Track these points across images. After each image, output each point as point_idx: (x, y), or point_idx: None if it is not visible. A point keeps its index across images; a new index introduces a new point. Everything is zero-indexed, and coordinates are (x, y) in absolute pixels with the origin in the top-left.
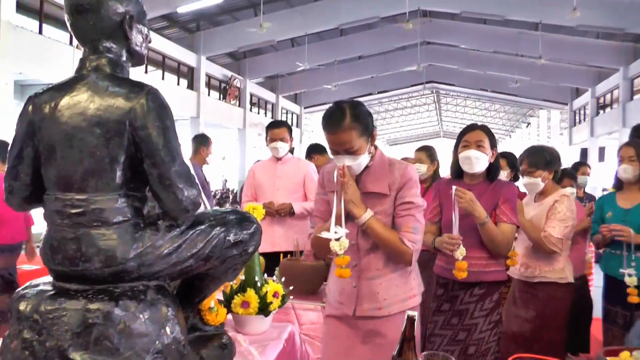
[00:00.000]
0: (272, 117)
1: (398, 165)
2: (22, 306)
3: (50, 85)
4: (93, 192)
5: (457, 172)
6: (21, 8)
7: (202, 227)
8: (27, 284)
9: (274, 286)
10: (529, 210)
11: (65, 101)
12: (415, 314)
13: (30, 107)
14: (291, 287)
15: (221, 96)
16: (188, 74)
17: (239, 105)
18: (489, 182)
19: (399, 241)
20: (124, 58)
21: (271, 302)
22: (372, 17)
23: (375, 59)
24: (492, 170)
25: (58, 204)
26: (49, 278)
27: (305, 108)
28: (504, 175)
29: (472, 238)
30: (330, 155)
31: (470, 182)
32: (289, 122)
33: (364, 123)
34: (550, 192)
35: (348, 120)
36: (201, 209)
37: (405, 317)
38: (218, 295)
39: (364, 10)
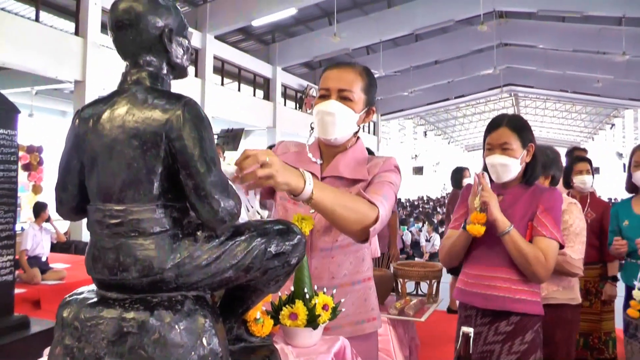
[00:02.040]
0: None
1: (379, 157)
2: (65, 313)
3: (96, 99)
4: (131, 203)
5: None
6: (105, 28)
7: (242, 237)
8: (74, 291)
9: (323, 298)
10: None
11: (106, 114)
12: (471, 330)
13: (77, 121)
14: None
15: (297, 106)
16: (264, 85)
17: None
18: (525, 186)
19: (361, 199)
20: (165, 71)
21: (320, 315)
22: (446, 20)
23: (452, 63)
24: (528, 172)
25: (99, 215)
26: (94, 286)
27: (382, 115)
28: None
29: (499, 251)
30: None
31: (502, 187)
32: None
33: (371, 84)
34: None
35: (359, 69)
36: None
37: (460, 333)
38: (265, 305)
39: (439, 14)
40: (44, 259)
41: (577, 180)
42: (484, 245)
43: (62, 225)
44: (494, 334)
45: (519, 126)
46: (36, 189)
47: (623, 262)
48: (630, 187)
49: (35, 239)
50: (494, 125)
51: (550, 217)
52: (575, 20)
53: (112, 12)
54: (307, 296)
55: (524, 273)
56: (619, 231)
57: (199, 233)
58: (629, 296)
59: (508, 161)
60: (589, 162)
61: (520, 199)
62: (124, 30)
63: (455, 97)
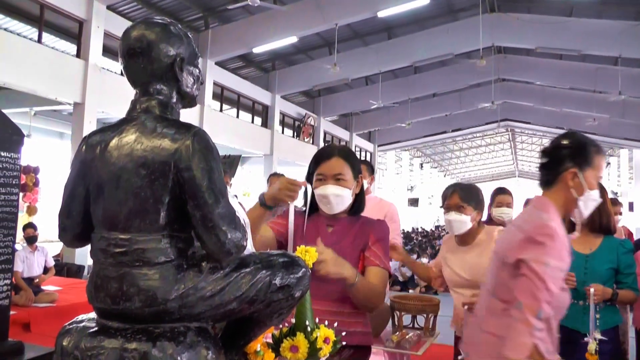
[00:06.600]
0: None
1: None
2: (65, 342)
3: (104, 126)
4: (136, 232)
5: (313, 206)
6: (106, 51)
7: (247, 269)
8: (74, 319)
9: (325, 331)
10: (458, 258)
11: (114, 142)
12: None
13: (83, 147)
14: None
15: (295, 134)
16: (263, 112)
17: (313, 143)
18: (353, 217)
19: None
20: (174, 100)
21: (321, 348)
22: (446, 54)
23: (450, 96)
24: (356, 203)
25: (103, 243)
26: (94, 314)
27: (379, 146)
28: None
29: (330, 284)
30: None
31: (330, 217)
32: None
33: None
34: (477, 233)
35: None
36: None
37: None
38: (266, 337)
39: (438, 47)
40: (36, 281)
41: (497, 212)
42: (313, 281)
43: (55, 246)
44: None
45: (351, 156)
46: (30, 210)
47: None
48: (570, 224)
49: (28, 261)
50: (325, 155)
51: (382, 247)
52: (572, 59)
53: (124, 39)
54: (309, 329)
55: (360, 307)
56: None
57: (203, 264)
58: (563, 338)
59: (343, 192)
60: (510, 195)
61: (350, 231)
62: (136, 58)
63: (453, 130)
